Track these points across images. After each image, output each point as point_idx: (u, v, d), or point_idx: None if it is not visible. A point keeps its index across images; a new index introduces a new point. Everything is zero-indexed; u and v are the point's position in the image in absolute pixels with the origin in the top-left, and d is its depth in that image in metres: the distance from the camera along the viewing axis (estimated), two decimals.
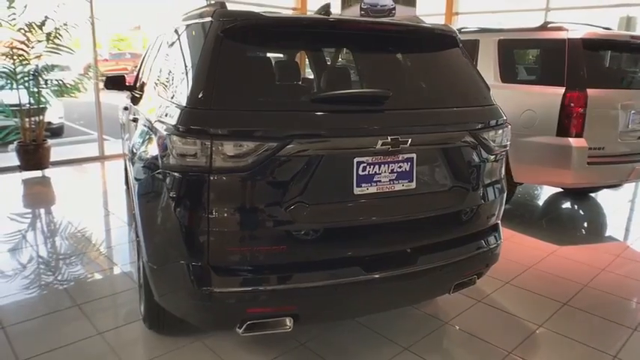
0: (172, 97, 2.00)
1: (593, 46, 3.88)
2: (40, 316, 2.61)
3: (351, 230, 1.88)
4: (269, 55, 1.91)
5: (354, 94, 1.84)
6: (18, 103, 5.42)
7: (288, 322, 1.83)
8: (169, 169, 1.79)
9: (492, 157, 2.19)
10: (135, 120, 2.74)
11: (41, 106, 5.48)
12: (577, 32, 3.86)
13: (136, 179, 2.15)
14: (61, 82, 5.56)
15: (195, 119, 1.72)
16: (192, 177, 1.73)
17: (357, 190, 1.85)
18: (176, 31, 2.46)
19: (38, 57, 5.40)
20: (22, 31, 5.26)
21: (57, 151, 6.08)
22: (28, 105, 5.43)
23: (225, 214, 1.73)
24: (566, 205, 5.25)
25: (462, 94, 2.15)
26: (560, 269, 3.40)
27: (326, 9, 2.27)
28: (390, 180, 1.91)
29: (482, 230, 2.23)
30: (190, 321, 2.02)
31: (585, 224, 4.72)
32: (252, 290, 1.76)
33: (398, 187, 1.92)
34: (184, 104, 1.77)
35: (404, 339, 2.46)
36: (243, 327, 1.80)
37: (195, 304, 1.83)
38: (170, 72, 2.22)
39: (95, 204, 4.75)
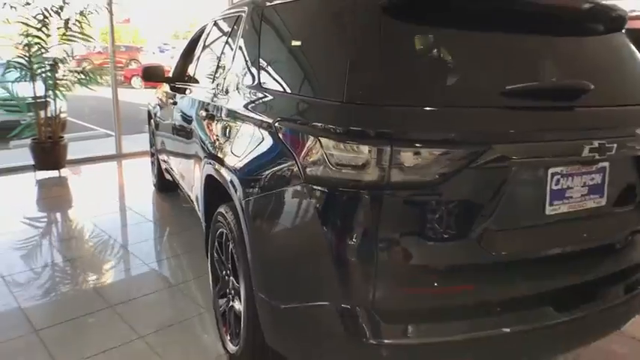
0: (301, 90, 1.58)
1: None
2: (111, 349, 2.18)
3: (540, 260, 1.49)
4: (441, 36, 1.49)
5: (557, 86, 1.45)
6: (33, 95, 4.90)
7: None
8: (317, 182, 1.37)
9: None
10: (210, 117, 2.31)
11: (58, 99, 4.95)
12: None
13: (246, 193, 1.71)
14: (83, 73, 5.02)
15: (360, 118, 1.31)
16: (352, 193, 1.32)
17: (549, 210, 1.46)
18: (269, 13, 2.03)
19: (58, 45, 4.86)
20: (39, 17, 4.73)
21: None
22: (44, 99, 4.91)
23: (400, 244, 1.32)
24: None
25: (638, 87, 1.76)
26: None
27: None
28: (581, 195, 1.51)
29: None
30: None
31: None
32: (430, 342, 1.36)
33: (589, 203, 1.53)
34: (340, 99, 1.35)
35: None
36: None
37: (349, 357, 1.42)
38: (285, 59, 1.80)
39: (128, 210, 4.30)
